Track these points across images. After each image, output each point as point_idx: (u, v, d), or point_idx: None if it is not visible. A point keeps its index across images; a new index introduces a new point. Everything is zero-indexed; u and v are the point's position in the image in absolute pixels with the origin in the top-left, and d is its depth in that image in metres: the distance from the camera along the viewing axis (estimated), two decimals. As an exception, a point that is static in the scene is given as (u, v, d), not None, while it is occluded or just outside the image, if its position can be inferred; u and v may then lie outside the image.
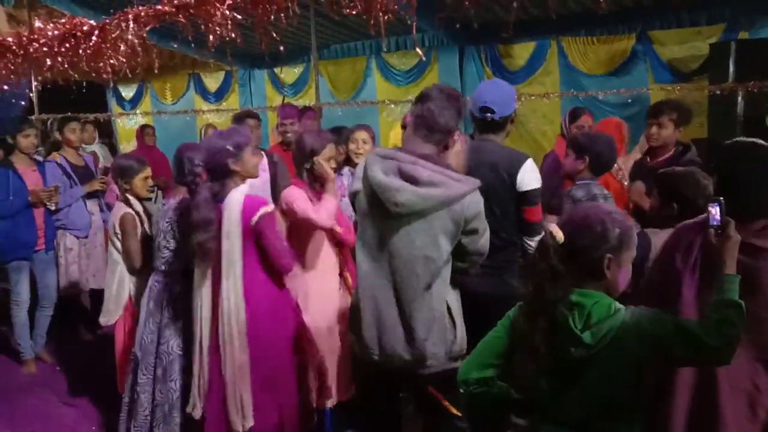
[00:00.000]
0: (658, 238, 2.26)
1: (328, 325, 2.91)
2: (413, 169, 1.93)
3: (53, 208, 4.15)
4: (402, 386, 2.24)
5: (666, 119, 3.36)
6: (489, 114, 2.48)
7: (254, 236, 2.57)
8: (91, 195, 4.54)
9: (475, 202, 2.00)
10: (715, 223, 1.68)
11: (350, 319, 2.28)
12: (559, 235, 1.60)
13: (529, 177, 2.48)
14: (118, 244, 3.20)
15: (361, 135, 3.89)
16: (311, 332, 2.86)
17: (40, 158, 4.40)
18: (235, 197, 2.55)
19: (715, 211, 1.68)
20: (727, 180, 1.85)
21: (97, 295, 4.80)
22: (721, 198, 1.70)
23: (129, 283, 3.20)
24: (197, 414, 2.70)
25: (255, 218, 2.53)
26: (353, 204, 2.21)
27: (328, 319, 2.90)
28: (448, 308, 2.06)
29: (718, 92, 5.68)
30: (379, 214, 1.99)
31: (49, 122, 5.12)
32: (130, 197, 3.25)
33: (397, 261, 2.00)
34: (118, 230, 3.19)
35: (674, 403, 1.88)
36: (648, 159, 3.52)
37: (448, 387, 2.06)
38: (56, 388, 3.96)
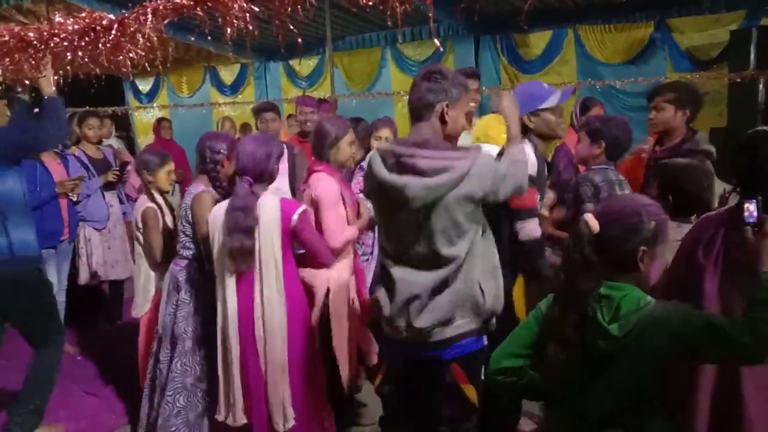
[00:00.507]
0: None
1: (347, 313, 2.95)
2: (412, 160, 1.93)
3: (75, 198, 4.23)
4: (427, 371, 2.19)
5: (661, 101, 2.99)
6: None
7: (292, 236, 2.67)
8: (109, 186, 4.62)
9: (481, 168, 1.93)
10: (752, 221, 1.64)
11: (374, 304, 2.27)
12: (594, 225, 1.59)
13: None
14: (141, 238, 3.25)
15: (385, 132, 3.87)
16: (332, 321, 2.90)
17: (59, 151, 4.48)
18: (270, 200, 2.64)
19: (753, 207, 1.65)
20: (750, 171, 1.83)
21: (117, 286, 4.90)
22: (759, 196, 1.67)
23: (155, 276, 3.25)
24: (233, 421, 2.69)
25: (295, 218, 2.62)
26: (368, 197, 2.24)
27: (345, 306, 2.95)
28: (479, 281, 2.02)
29: (738, 80, 5.61)
30: (394, 205, 2.00)
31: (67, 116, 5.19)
32: (153, 191, 3.29)
33: (421, 246, 1.99)
34: (140, 224, 3.23)
35: (697, 399, 1.87)
36: (657, 148, 3.14)
37: (469, 367, 2.07)
38: (79, 378, 4.03)
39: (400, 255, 2.06)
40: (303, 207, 2.71)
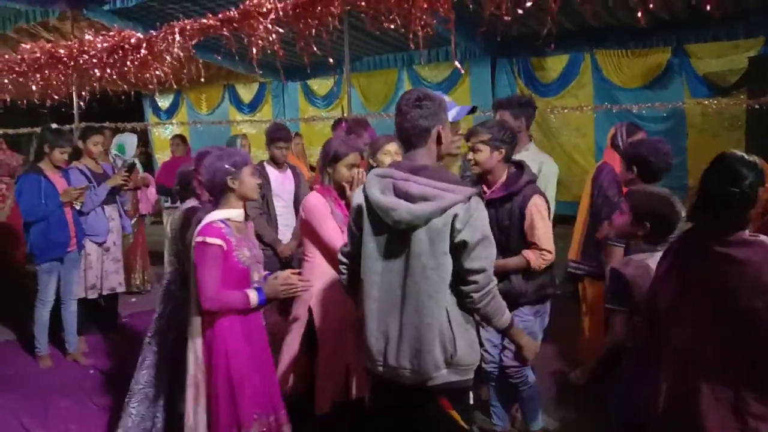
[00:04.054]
0: (631, 267, 2.29)
1: (337, 328, 2.90)
2: (406, 185, 1.96)
3: (79, 207, 4.32)
4: (411, 400, 2.18)
5: (477, 142, 2.79)
6: None
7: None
8: (110, 201, 4.69)
9: (465, 211, 1.92)
10: None
11: (357, 331, 2.28)
12: None
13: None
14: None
15: (393, 147, 3.84)
16: (319, 335, 2.87)
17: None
18: (206, 218, 2.45)
19: None
20: (711, 195, 1.89)
21: (112, 298, 4.91)
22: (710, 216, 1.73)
23: None
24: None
25: (193, 243, 2.43)
26: (355, 220, 2.17)
27: (335, 322, 2.90)
28: (449, 319, 2.01)
29: (757, 107, 5.59)
30: (381, 228, 2.04)
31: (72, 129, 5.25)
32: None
33: (400, 272, 2.02)
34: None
35: (657, 411, 1.93)
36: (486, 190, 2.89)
37: (454, 400, 2.06)
38: (90, 390, 4.04)
39: (377, 284, 2.08)
40: (206, 239, 2.39)
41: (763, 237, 1.86)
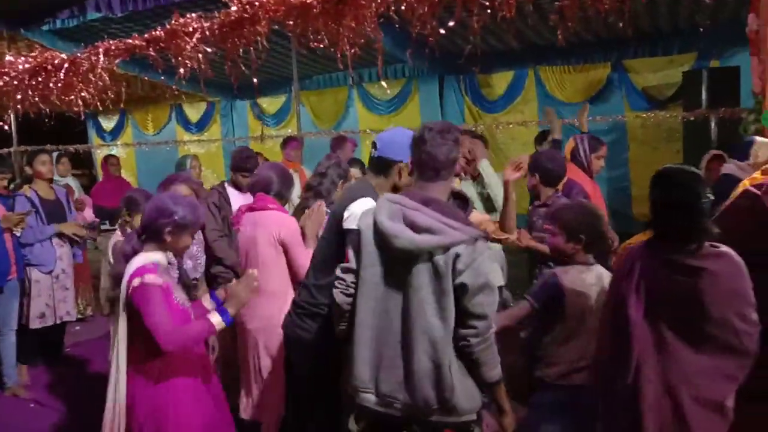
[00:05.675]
0: (570, 276, 2.37)
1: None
2: (414, 214, 1.95)
3: (19, 234, 4.13)
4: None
5: None
6: (373, 150, 2.41)
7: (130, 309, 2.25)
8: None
9: (468, 253, 1.90)
10: None
11: (343, 356, 2.17)
12: None
13: (353, 217, 2.24)
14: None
15: (355, 173, 3.91)
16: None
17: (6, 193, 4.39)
18: (135, 261, 2.28)
19: None
20: (663, 206, 1.96)
21: (58, 328, 4.69)
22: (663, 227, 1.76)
23: None
24: None
25: (130, 288, 2.22)
26: (355, 242, 2.09)
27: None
28: (447, 363, 1.93)
29: (692, 119, 5.79)
30: (384, 254, 1.99)
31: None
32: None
33: (399, 303, 1.97)
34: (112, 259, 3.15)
35: (642, 420, 1.93)
36: None
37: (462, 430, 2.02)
38: (30, 425, 3.84)
39: (372, 310, 2.02)
40: (145, 280, 2.21)
41: (726, 248, 1.91)
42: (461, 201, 2.86)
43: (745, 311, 1.85)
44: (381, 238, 1.98)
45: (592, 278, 2.38)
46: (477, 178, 3.69)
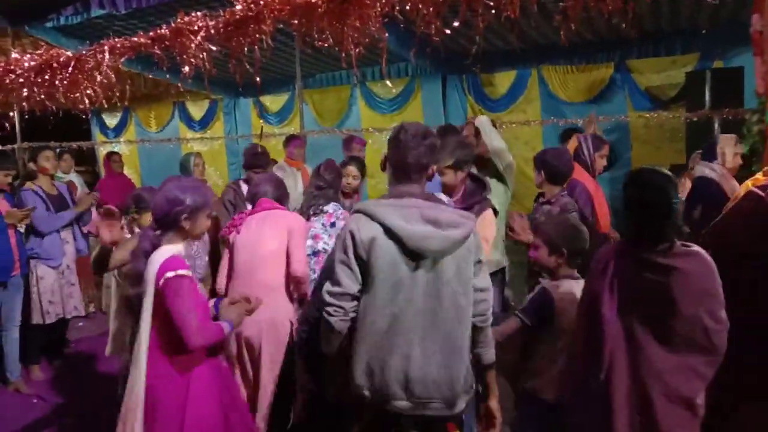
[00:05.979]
0: (561, 289, 2.38)
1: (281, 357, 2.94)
2: (434, 212, 1.96)
3: (22, 230, 4.16)
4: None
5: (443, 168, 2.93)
6: None
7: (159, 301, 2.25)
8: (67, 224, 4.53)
9: (474, 235, 2.03)
10: None
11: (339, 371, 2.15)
12: None
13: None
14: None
15: (352, 171, 3.93)
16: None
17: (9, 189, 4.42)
18: (159, 255, 2.27)
19: None
20: (636, 206, 1.99)
21: (62, 324, 4.71)
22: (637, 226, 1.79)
23: None
24: None
25: (161, 280, 2.21)
26: (358, 253, 1.99)
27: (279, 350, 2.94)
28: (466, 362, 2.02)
29: (695, 119, 5.80)
30: (402, 258, 1.95)
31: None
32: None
33: (424, 302, 1.96)
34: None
35: (614, 419, 1.97)
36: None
37: (460, 422, 2.09)
38: (33, 421, 3.86)
39: (387, 316, 1.98)
40: (179, 272, 2.23)
41: (697, 247, 1.94)
42: (479, 183, 2.93)
43: (715, 310, 1.88)
44: (404, 241, 1.93)
45: (580, 291, 2.35)
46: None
